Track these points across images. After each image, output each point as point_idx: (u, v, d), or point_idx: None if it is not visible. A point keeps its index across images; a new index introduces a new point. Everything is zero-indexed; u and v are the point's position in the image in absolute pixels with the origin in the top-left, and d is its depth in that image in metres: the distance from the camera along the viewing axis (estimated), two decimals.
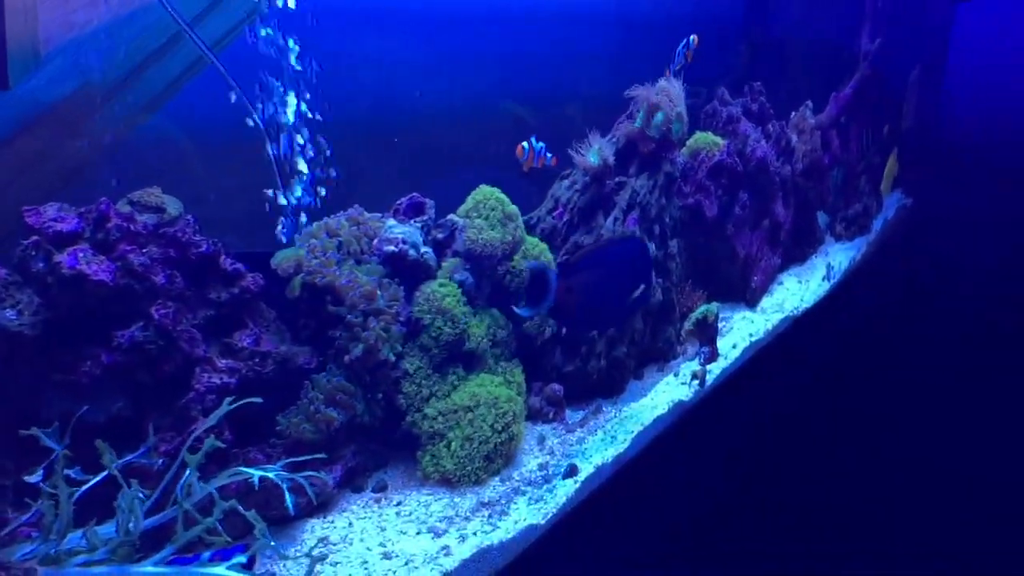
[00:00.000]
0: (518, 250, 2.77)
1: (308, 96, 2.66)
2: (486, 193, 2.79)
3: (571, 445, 2.77)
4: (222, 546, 1.81)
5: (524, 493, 2.46)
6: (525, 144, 2.83)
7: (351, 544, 2.16)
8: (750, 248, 4.11)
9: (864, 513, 2.84)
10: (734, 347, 3.66)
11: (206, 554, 1.81)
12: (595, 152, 3.10)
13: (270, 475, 1.85)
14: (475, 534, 2.23)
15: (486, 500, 2.40)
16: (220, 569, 1.75)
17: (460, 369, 2.61)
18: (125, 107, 2.88)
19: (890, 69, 5.89)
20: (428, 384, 2.49)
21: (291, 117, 2.58)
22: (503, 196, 2.82)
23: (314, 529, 2.21)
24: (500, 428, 2.48)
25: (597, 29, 4.33)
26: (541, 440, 2.76)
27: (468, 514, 2.33)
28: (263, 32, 2.58)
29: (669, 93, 3.18)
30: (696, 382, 3.22)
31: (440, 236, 2.66)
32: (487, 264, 2.68)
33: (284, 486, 1.83)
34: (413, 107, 3.34)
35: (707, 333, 3.49)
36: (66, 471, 1.75)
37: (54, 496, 1.67)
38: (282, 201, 2.55)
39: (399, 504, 2.36)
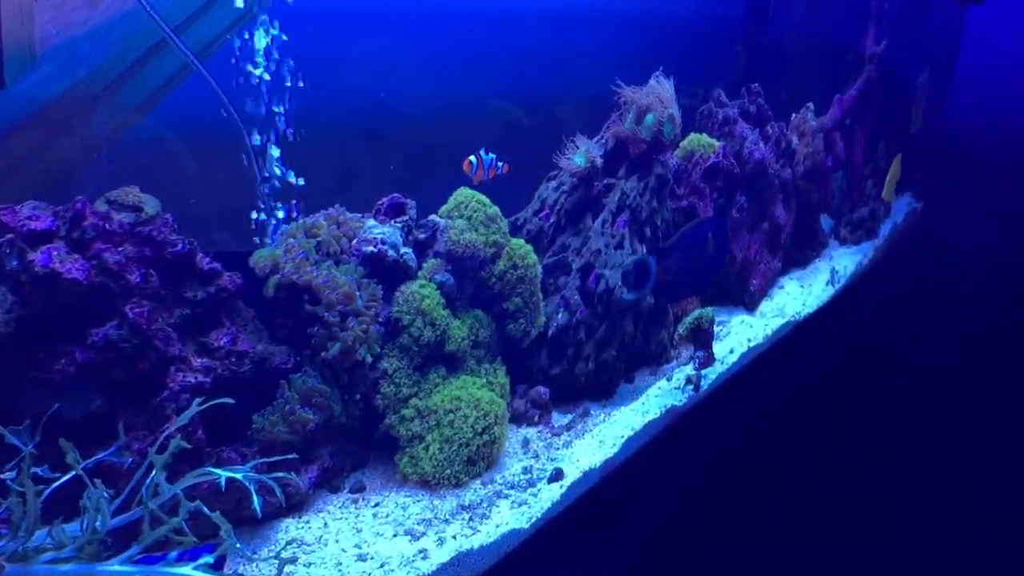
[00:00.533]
0: (502, 252, 2.76)
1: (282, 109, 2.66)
2: (467, 195, 2.78)
3: (557, 449, 2.74)
4: (190, 546, 1.80)
5: (507, 496, 2.44)
6: (473, 158, 2.77)
7: (326, 545, 2.15)
8: (748, 251, 4.07)
9: (865, 528, 2.80)
10: (731, 352, 3.61)
11: (173, 554, 1.80)
12: (581, 154, 3.08)
13: (238, 476, 1.83)
14: (454, 537, 2.20)
15: (467, 503, 2.38)
16: (187, 569, 1.74)
17: (441, 370, 2.60)
18: (119, 107, 2.90)
19: (897, 71, 5.83)
20: (407, 385, 2.48)
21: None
22: (484, 198, 2.81)
23: (288, 530, 2.20)
24: (481, 430, 2.46)
25: (594, 29, 4.32)
26: (525, 443, 2.73)
27: (447, 517, 2.31)
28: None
29: (660, 94, 3.15)
30: (690, 387, 3.18)
31: (422, 237, 2.65)
32: (469, 265, 2.66)
33: (252, 488, 1.82)
34: (401, 108, 3.34)
35: (702, 337, 3.45)
36: (34, 469, 1.75)
37: (23, 494, 1.67)
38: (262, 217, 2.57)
39: (377, 505, 2.35)
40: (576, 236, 3.11)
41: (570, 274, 3.05)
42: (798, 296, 4.48)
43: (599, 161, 3.14)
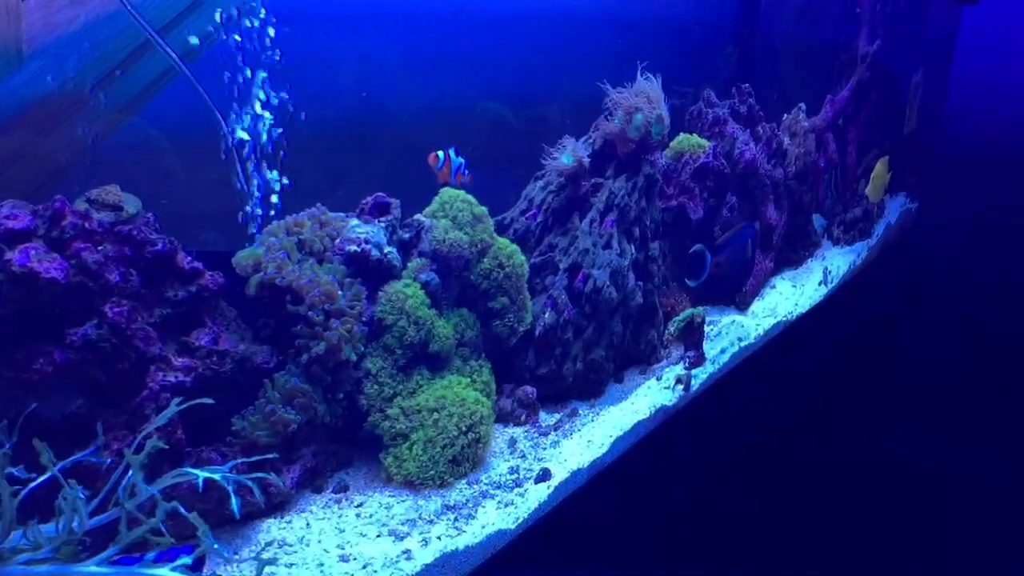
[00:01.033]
0: (488, 252, 2.74)
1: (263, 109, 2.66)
2: (453, 194, 2.77)
3: (544, 449, 2.73)
4: (168, 547, 1.79)
5: (493, 497, 2.42)
6: (440, 153, 2.75)
7: (308, 546, 2.13)
8: None
9: (855, 528, 2.78)
10: (722, 352, 3.60)
11: (151, 555, 1.78)
12: (568, 154, 3.07)
13: (216, 477, 1.82)
14: (439, 538, 2.19)
15: (452, 503, 2.36)
16: (164, 570, 1.73)
17: (425, 370, 2.58)
18: (106, 107, 2.89)
19: (891, 72, 5.82)
20: (391, 385, 2.47)
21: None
22: (470, 197, 2.79)
23: (270, 530, 2.18)
24: (466, 429, 2.45)
25: (583, 30, 4.31)
26: (512, 443, 2.72)
27: (432, 517, 2.30)
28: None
29: (648, 94, 3.15)
30: (680, 387, 3.17)
31: (406, 236, 2.63)
32: (455, 265, 2.65)
33: (230, 488, 1.81)
34: (389, 108, 3.33)
35: (692, 337, 3.45)
36: (10, 469, 1.74)
37: None
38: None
39: (360, 506, 2.33)
40: (563, 236, 3.10)
41: (557, 274, 3.04)
42: (790, 296, 4.48)
43: (586, 161, 3.13)
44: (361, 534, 2.20)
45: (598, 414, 3.01)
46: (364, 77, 3.38)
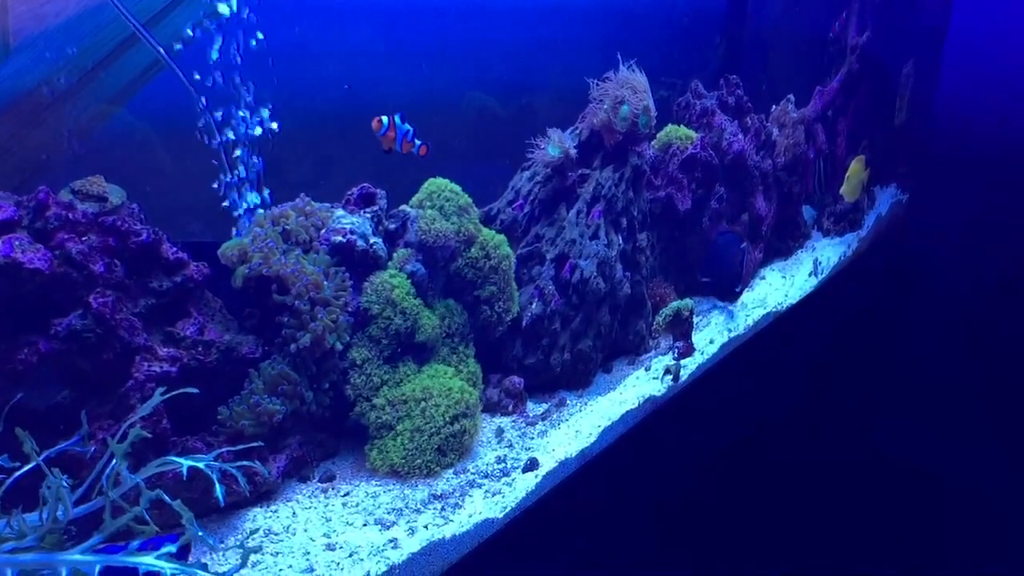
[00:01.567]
0: (474, 242, 2.75)
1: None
2: (439, 184, 2.78)
3: (532, 438, 2.73)
4: (152, 535, 1.80)
5: (480, 486, 2.43)
6: (384, 118, 2.62)
7: (294, 534, 2.14)
8: None
9: (846, 519, 2.78)
10: (711, 342, 3.60)
11: (135, 543, 1.79)
12: (554, 144, 3.08)
13: (200, 465, 1.82)
14: (426, 527, 2.19)
15: (439, 492, 2.37)
16: (148, 558, 1.73)
17: (411, 360, 2.59)
18: (93, 99, 2.89)
19: (881, 63, 5.82)
20: (378, 375, 2.48)
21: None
22: (457, 188, 2.80)
23: (256, 519, 2.19)
24: (452, 419, 2.46)
25: (570, 20, 4.31)
26: (499, 433, 2.73)
27: (419, 506, 2.30)
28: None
29: (634, 85, 3.15)
30: (669, 377, 3.18)
31: (392, 227, 2.64)
32: (440, 255, 2.66)
33: (214, 477, 1.81)
34: (376, 100, 3.33)
35: (681, 328, 3.45)
36: None
37: None
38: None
39: (347, 495, 2.34)
40: (550, 226, 3.11)
41: (544, 264, 3.04)
42: (780, 287, 4.48)
43: (573, 152, 3.13)
44: (347, 523, 2.21)
45: (586, 404, 3.01)
46: (350, 69, 3.38)
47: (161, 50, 2.58)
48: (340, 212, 2.54)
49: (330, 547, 2.08)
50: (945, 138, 7.27)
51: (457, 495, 2.36)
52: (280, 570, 1.98)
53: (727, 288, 4.10)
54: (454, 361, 2.69)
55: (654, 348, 3.49)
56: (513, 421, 2.83)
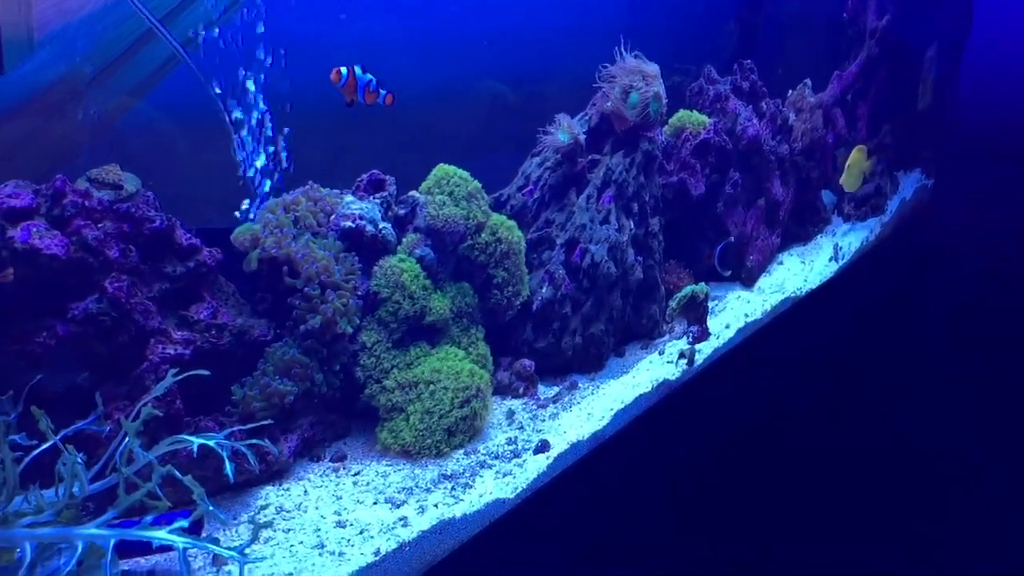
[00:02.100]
0: (484, 227, 2.78)
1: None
2: (448, 171, 2.81)
3: (543, 421, 2.76)
4: (165, 511, 1.85)
5: (491, 467, 2.46)
6: (343, 69, 2.55)
7: (305, 512, 2.19)
8: (744, 227, 4.06)
9: (862, 510, 2.74)
10: (727, 327, 3.60)
11: (148, 518, 1.84)
12: (564, 130, 3.10)
13: (210, 443, 1.87)
14: (436, 506, 2.23)
15: (449, 472, 2.40)
16: (161, 532, 1.78)
17: (422, 343, 2.63)
18: (115, 90, 2.96)
19: (902, 47, 5.76)
20: (387, 358, 2.52)
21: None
22: (466, 174, 2.83)
23: (268, 496, 2.24)
24: (462, 401, 2.49)
25: (583, 6, 4.32)
26: (510, 415, 2.76)
27: (429, 486, 2.34)
28: None
29: (644, 71, 3.16)
30: (683, 361, 3.18)
31: (401, 212, 2.68)
32: (449, 240, 2.69)
33: (224, 454, 1.86)
34: (389, 88, 3.37)
35: (696, 312, 3.45)
36: (13, 437, 1.81)
37: (3, 461, 1.73)
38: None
39: (357, 474, 2.39)
40: (560, 211, 3.13)
41: (554, 249, 3.07)
42: (799, 272, 4.46)
43: (582, 137, 3.15)
44: (358, 501, 2.25)
45: (598, 387, 3.03)
46: (365, 59, 3.42)
47: (174, 41, 2.63)
48: (349, 198, 2.58)
49: (340, 524, 2.12)
50: (971, 123, 7.17)
51: (467, 475, 2.39)
52: (291, 546, 2.03)
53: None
54: (464, 343, 2.72)
55: (668, 332, 3.50)
56: (524, 403, 2.86)
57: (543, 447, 2.53)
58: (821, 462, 2.97)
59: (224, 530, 2.07)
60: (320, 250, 2.41)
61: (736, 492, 2.79)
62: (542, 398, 2.90)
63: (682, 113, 3.91)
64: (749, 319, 3.71)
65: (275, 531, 2.09)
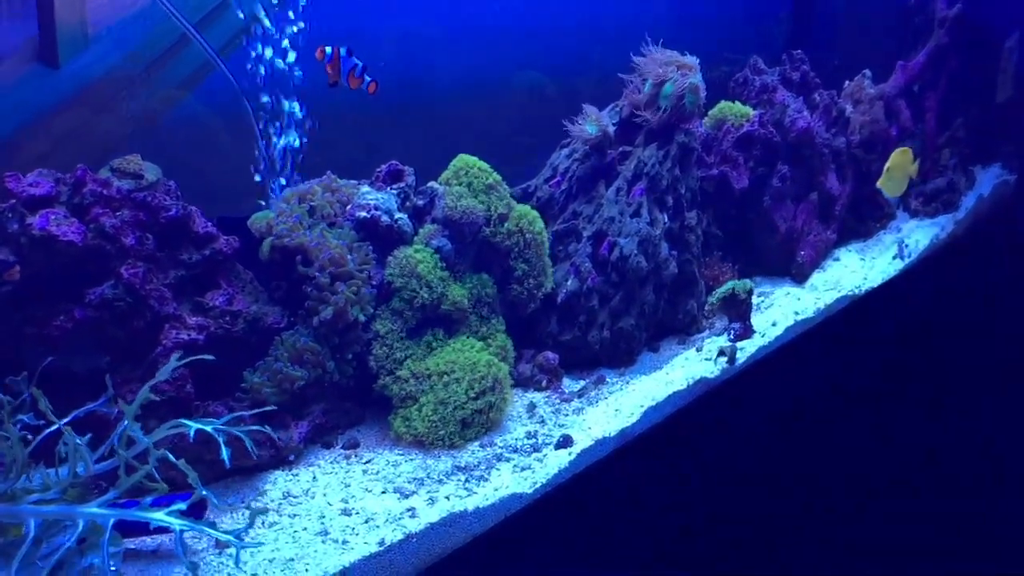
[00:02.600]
0: (506, 219, 2.76)
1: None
2: (467, 161, 2.80)
3: (566, 415, 2.71)
4: (164, 493, 1.88)
5: (508, 460, 2.42)
6: (328, 48, 2.55)
7: (312, 498, 2.20)
8: (793, 221, 3.93)
9: (918, 524, 2.59)
10: (774, 325, 3.46)
11: (148, 499, 1.88)
12: (591, 122, 3.05)
13: (208, 429, 1.90)
14: (447, 498, 2.20)
15: (463, 464, 2.38)
16: (159, 514, 1.82)
17: (439, 333, 2.62)
18: (163, 85, 3.05)
19: (977, 36, 5.48)
20: (401, 347, 2.52)
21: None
22: (485, 165, 2.81)
23: (277, 482, 2.27)
24: (478, 393, 2.47)
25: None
26: (531, 408, 2.72)
27: (441, 477, 2.32)
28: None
29: (681, 63, 3.08)
30: (724, 359, 3.07)
31: (420, 203, 2.68)
32: (468, 231, 2.68)
33: (220, 439, 1.88)
34: (429, 81, 3.39)
35: (738, 308, 3.34)
36: (22, 417, 1.88)
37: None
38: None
39: (368, 462, 2.39)
40: (588, 204, 3.09)
41: (581, 241, 3.02)
42: (858, 269, 4.28)
43: (611, 129, 3.10)
44: (366, 489, 2.25)
45: (628, 383, 2.97)
46: (403, 52, 3.44)
47: (204, 42, 2.69)
48: (366, 188, 2.60)
49: (346, 512, 2.13)
50: None
51: (483, 468, 2.36)
52: (295, 532, 2.04)
53: None
54: (484, 333, 2.70)
55: (708, 328, 3.41)
56: (547, 397, 2.82)
57: (566, 442, 2.48)
58: (876, 476, 2.81)
59: (230, 513, 2.10)
60: (334, 239, 2.42)
61: (777, 503, 2.66)
62: (566, 392, 2.86)
63: (723, 104, 3.81)
64: (799, 317, 3.56)
65: (280, 516, 2.11)
